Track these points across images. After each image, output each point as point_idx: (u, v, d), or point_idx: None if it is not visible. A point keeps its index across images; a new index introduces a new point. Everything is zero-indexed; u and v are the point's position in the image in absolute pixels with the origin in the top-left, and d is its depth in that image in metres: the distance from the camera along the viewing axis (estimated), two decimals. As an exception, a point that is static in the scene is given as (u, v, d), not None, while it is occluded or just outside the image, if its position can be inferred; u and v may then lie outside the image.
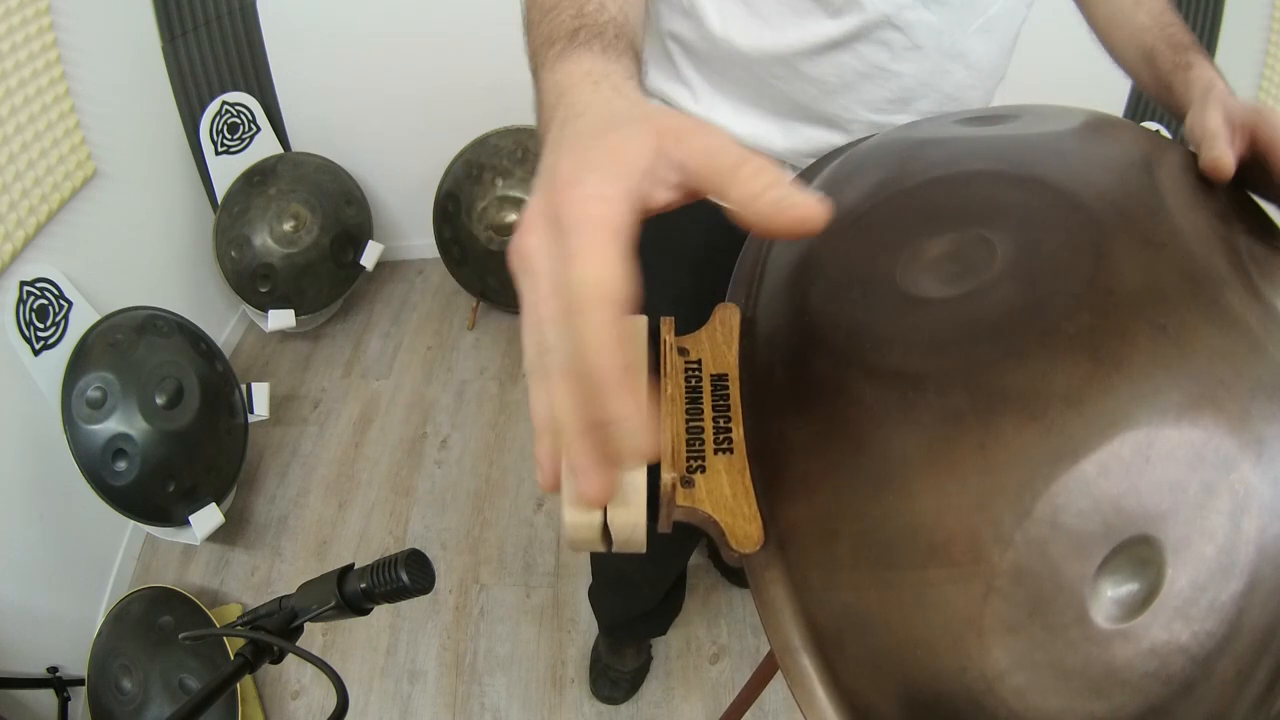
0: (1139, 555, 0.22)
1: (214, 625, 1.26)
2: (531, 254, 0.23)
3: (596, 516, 0.25)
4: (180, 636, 1.04)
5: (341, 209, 1.89)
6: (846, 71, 0.56)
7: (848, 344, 0.27)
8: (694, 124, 0.26)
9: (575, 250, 0.22)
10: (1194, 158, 0.32)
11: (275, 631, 0.52)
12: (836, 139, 0.60)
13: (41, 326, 1.29)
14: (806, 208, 0.23)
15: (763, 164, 0.24)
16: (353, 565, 0.54)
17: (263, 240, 1.78)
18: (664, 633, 1.35)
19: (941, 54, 0.56)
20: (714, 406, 0.29)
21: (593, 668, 1.36)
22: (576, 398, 0.21)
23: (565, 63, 0.34)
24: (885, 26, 0.54)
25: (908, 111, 0.58)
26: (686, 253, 0.75)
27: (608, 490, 0.22)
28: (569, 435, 0.22)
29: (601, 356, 0.21)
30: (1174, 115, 0.47)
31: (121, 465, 1.30)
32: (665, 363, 0.29)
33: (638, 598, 1.18)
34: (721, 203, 0.24)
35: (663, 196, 0.26)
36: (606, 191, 0.23)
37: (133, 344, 1.36)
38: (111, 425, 1.29)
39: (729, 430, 0.28)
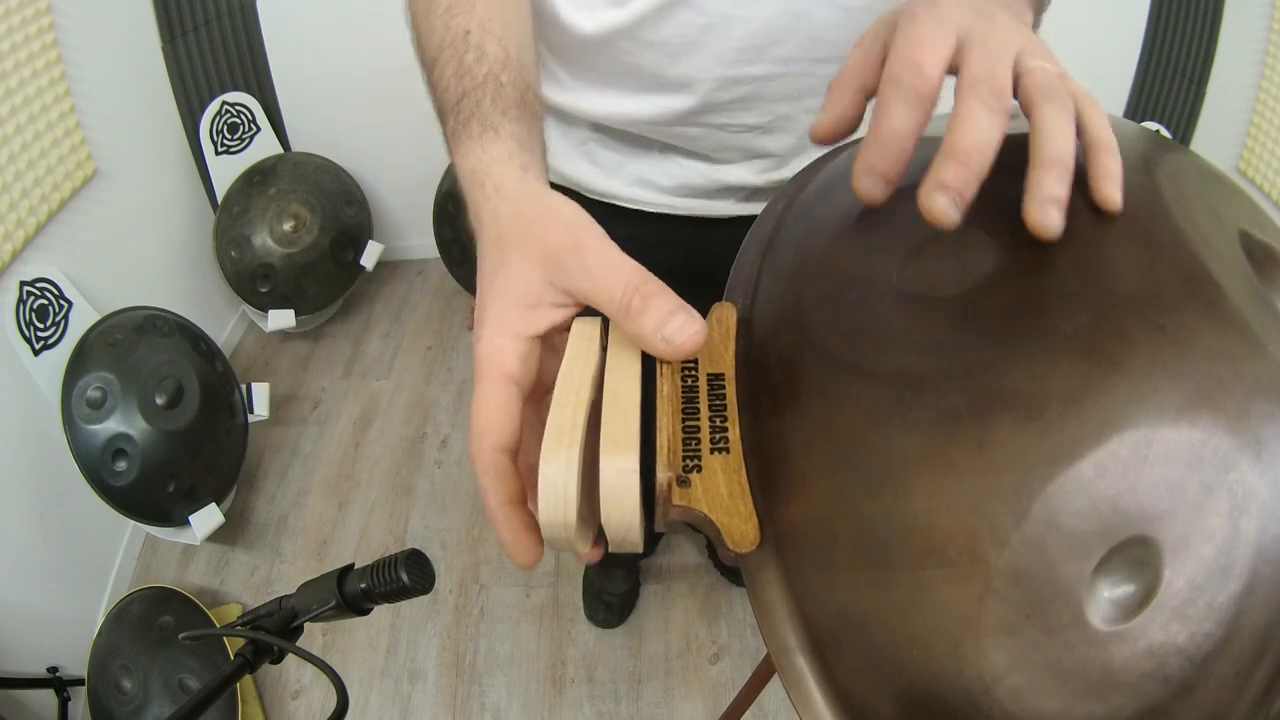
0: (1136, 556, 0.22)
1: (214, 625, 1.27)
2: None
3: (568, 515, 0.26)
4: (180, 636, 1.04)
5: (341, 209, 1.89)
6: (689, 29, 0.54)
7: (844, 344, 0.27)
8: (572, 244, 0.29)
9: (474, 401, 0.28)
10: (1194, 157, 0.32)
11: (275, 631, 0.52)
12: (691, 102, 0.59)
13: (41, 326, 1.29)
14: (692, 336, 0.27)
15: (648, 292, 0.28)
16: (353, 565, 0.54)
17: (263, 240, 1.78)
18: (651, 553, 1.47)
19: None
20: (710, 406, 0.29)
21: (585, 593, 1.44)
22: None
23: (457, 151, 0.36)
24: None
25: (764, 60, 0.56)
26: (668, 264, 0.75)
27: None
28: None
29: (486, 496, 0.28)
30: None
31: (121, 465, 1.30)
32: (661, 362, 0.29)
33: None
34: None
35: (561, 315, 0.30)
36: (498, 341, 0.29)
37: (133, 344, 1.36)
38: (111, 425, 1.29)
39: (725, 430, 0.28)
